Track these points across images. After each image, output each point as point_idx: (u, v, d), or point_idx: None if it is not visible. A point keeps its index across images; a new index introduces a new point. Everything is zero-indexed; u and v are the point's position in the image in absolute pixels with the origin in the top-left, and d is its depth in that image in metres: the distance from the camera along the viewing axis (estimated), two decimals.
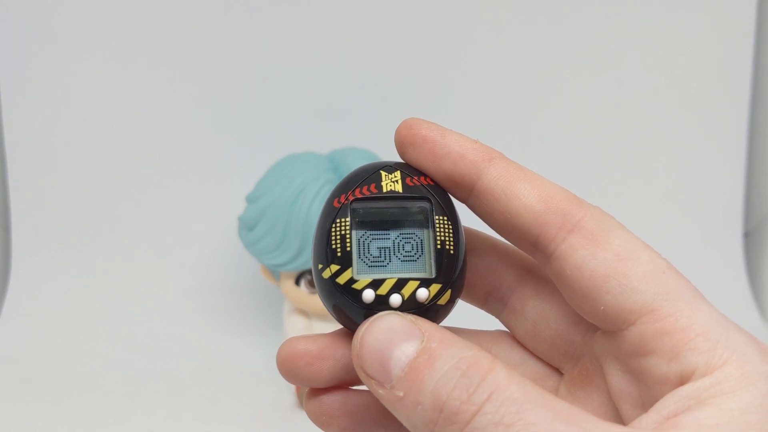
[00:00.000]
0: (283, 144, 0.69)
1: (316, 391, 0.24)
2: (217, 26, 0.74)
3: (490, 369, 0.19)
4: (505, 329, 0.26)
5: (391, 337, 0.20)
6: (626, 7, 0.76)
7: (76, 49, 0.74)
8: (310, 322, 0.63)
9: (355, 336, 0.21)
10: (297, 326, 0.62)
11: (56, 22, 0.73)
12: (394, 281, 0.22)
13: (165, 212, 0.76)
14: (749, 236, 0.79)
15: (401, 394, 0.19)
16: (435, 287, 0.22)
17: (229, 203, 0.70)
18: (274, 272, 0.62)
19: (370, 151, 0.63)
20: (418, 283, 0.22)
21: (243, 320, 0.72)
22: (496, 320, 0.26)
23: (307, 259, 0.58)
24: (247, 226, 0.61)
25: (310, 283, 0.60)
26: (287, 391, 0.62)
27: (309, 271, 0.60)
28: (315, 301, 0.60)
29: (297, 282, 0.60)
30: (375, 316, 0.21)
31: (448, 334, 0.20)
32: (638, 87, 0.77)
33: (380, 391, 0.20)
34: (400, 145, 0.24)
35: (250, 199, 0.61)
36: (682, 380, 0.20)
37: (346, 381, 0.24)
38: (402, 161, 0.24)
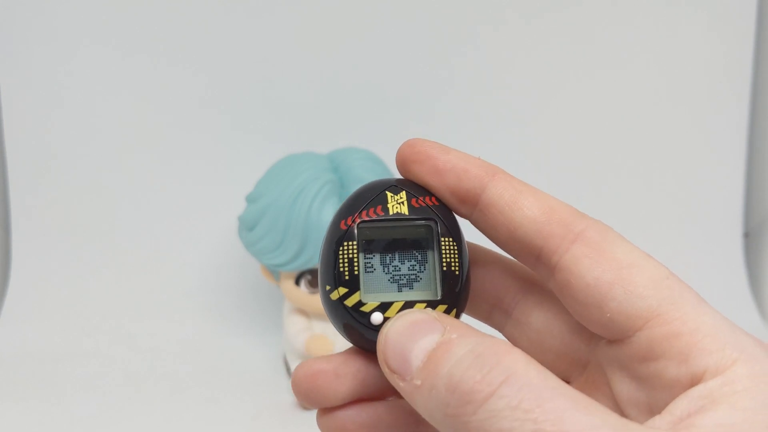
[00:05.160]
0: (283, 144, 0.70)
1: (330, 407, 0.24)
2: (217, 26, 0.74)
3: (507, 353, 0.19)
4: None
5: (414, 332, 0.21)
6: (625, 8, 0.76)
7: (76, 49, 0.74)
8: (310, 322, 0.63)
9: (380, 333, 0.21)
10: (297, 326, 0.62)
11: (56, 22, 0.73)
12: (401, 304, 0.23)
13: (165, 212, 0.76)
14: (749, 236, 0.79)
15: (419, 382, 0.20)
16: (441, 308, 0.23)
17: (229, 203, 0.70)
18: (274, 272, 0.62)
19: (370, 151, 0.63)
20: (424, 305, 0.23)
21: (243, 320, 0.73)
22: (499, 335, 0.26)
23: (307, 259, 0.58)
24: (247, 226, 0.61)
25: (310, 283, 0.60)
26: (287, 391, 0.62)
27: (309, 271, 0.60)
28: (315, 301, 0.60)
29: (297, 282, 0.60)
30: (401, 312, 0.22)
31: (471, 328, 0.20)
32: (638, 87, 0.77)
33: (401, 384, 0.20)
34: (403, 163, 0.24)
35: (250, 199, 0.61)
36: (693, 382, 0.20)
37: (362, 397, 0.24)
38: (405, 179, 0.25)
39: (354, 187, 0.56)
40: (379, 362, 0.21)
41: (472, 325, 0.21)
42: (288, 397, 0.61)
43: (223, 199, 0.73)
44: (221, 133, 0.76)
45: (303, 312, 0.63)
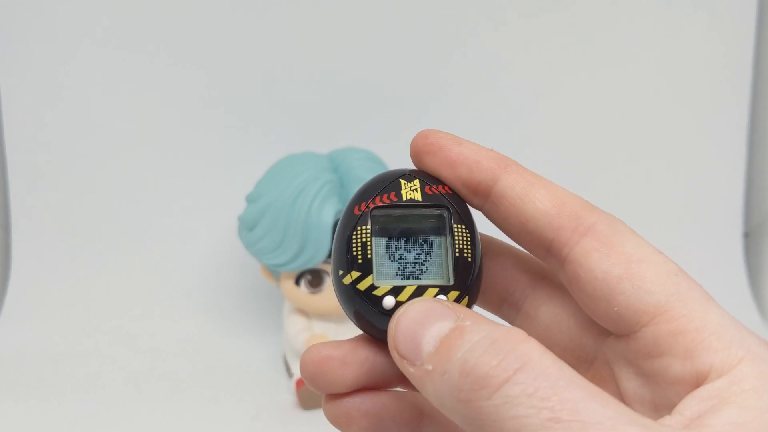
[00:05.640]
0: (283, 144, 0.70)
1: (335, 393, 0.24)
2: (216, 26, 0.74)
3: (522, 340, 0.19)
4: None
5: (425, 319, 0.21)
6: (625, 7, 0.76)
7: (76, 49, 0.74)
8: (310, 322, 0.63)
9: (391, 319, 0.21)
10: (297, 326, 0.62)
11: (57, 22, 0.73)
12: (413, 288, 0.23)
13: (165, 212, 0.76)
14: (749, 236, 0.79)
15: (430, 367, 0.20)
16: (453, 294, 0.23)
17: (229, 203, 0.70)
18: (274, 272, 0.62)
19: (370, 151, 0.63)
20: (437, 290, 0.23)
21: (243, 320, 0.73)
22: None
23: (307, 259, 0.58)
24: (247, 226, 0.61)
25: (310, 283, 0.60)
26: (287, 391, 0.62)
27: (309, 271, 0.60)
28: (315, 301, 0.60)
29: (297, 282, 0.60)
30: (413, 300, 0.22)
31: (484, 317, 0.20)
32: (638, 87, 0.77)
33: (411, 370, 0.20)
34: (416, 154, 0.24)
35: (250, 199, 0.61)
36: (698, 380, 0.20)
37: (368, 386, 0.24)
38: (418, 169, 0.25)
39: (354, 187, 0.56)
40: (389, 348, 0.21)
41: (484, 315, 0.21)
42: (288, 397, 0.61)
43: (223, 199, 0.73)
44: (221, 132, 0.76)
45: (303, 312, 0.63)
